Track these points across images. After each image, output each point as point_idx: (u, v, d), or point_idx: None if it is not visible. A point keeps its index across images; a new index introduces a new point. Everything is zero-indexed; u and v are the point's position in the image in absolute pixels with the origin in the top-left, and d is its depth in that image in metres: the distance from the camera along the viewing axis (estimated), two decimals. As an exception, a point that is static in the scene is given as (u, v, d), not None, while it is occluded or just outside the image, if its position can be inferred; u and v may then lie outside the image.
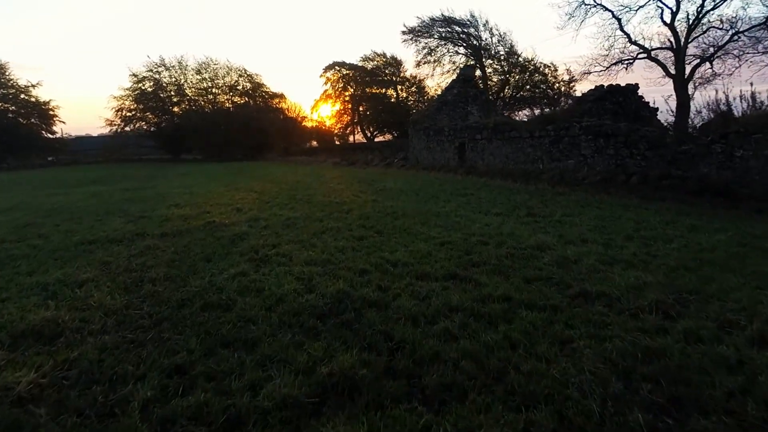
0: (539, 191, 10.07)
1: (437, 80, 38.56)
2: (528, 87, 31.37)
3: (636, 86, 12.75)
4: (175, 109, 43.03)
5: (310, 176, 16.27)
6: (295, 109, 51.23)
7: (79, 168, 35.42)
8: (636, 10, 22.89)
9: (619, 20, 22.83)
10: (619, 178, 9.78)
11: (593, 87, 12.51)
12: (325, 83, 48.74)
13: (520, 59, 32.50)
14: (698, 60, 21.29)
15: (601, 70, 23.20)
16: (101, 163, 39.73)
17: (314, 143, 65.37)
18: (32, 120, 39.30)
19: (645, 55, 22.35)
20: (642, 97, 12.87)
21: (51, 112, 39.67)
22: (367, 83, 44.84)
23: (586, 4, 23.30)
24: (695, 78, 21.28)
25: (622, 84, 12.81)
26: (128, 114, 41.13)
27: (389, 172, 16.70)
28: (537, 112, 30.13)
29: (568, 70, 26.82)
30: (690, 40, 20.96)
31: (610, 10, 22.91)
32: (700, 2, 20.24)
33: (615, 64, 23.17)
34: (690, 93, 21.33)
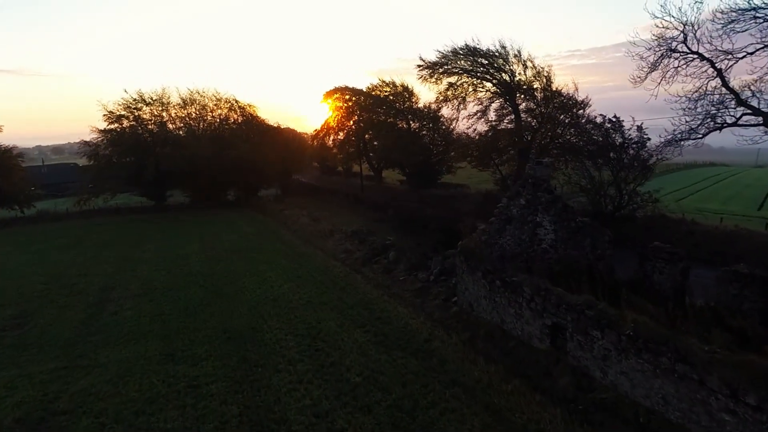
0: None
1: (463, 126, 32.61)
2: (574, 134, 25.22)
3: None
4: (158, 149, 36.77)
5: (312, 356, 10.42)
6: (295, 139, 44.96)
7: (38, 233, 28.65)
8: (740, 58, 16.79)
9: (719, 71, 16.75)
10: None
11: None
12: (328, 110, 42.66)
13: (561, 98, 26.36)
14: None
15: (697, 138, 17.13)
16: (71, 219, 33.60)
17: (315, 164, 60.04)
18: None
19: (760, 119, 16.33)
20: None
21: (11, 162, 33.25)
22: (375, 112, 38.51)
23: (676, 52, 17.13)
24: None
25: None
26: (103, 160, 34.88)
27: (434, 363, 10.77)
28: (588, 162, 24.00)
29: (638, 127, 20.62)
30: (831, 105, 14.98)
31: (708, 59, 16.79)
32: None
33: (714, 130, 17.11)
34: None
